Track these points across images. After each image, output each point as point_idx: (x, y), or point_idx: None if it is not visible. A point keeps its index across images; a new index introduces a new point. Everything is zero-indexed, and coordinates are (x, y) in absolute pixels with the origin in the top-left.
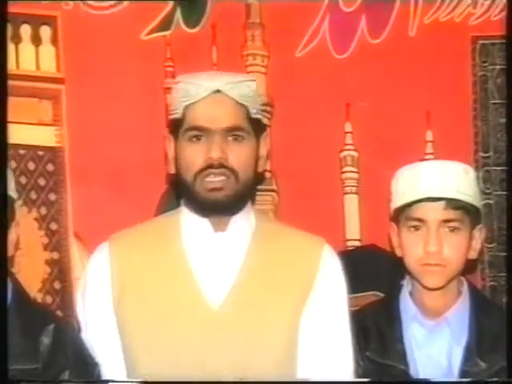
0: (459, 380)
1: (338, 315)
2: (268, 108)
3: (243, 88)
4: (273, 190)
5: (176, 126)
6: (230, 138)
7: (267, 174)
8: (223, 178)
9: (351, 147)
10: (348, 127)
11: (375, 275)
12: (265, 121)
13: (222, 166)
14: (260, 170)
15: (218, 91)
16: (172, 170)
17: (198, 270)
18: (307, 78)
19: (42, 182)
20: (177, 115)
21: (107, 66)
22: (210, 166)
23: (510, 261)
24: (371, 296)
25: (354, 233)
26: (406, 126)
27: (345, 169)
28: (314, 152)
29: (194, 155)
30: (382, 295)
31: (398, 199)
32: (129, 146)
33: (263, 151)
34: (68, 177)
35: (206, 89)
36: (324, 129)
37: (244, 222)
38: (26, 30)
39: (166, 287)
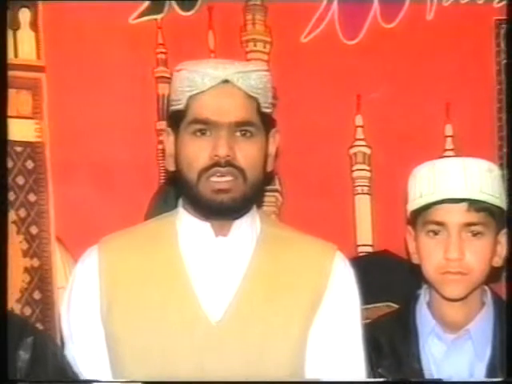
0: (459, 380)
1: (349, 329)
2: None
3: (254, 78)
4: (276, 190)
5: (177, 119)
6: (239, 134)
7: None
8: (230, 178)
9: (362, 143)
10: (359, 120)
11: (389, 284)
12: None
13: (229, 164)
14: (269, 169)
15: (227, 81)
16: (171, 167)
17: (196, 278)
18: (314, 67)
19: (20, 180)
20: (179, 106)
21: (92, 53)
22: (217, 164)
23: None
24: (384, 307)
25: (365, 237)
26: (423, 119)
27: (355, 167)
28: (322, 148)
29: (198, 151)
30: (397, 306)
31: (415, 200)
32: (117, 141)
33: (272, 149)
34: (49, 175)
35: (213, 78)
36: (332, 122)
37: (248, 226)
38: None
39: (160, 298)
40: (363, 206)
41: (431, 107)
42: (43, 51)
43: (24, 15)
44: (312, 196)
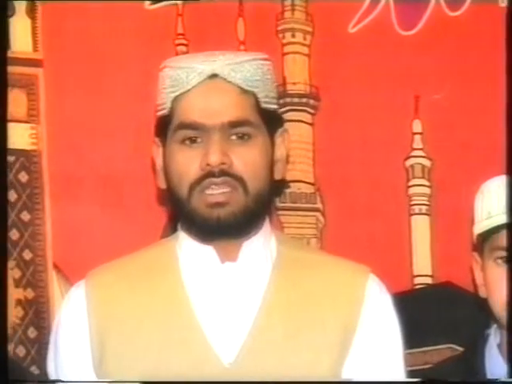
0: (459, 380)
1: (390, 372)
2: (311, 101)
3: (248, 69)
4: (317, 210)
5: (164, 126)
6: (234, 137)
7: (309, 189)
8: (227, 189)
9: (421, 153)
10: (417, 127)
11: (451, 323)
12: (278, 110)
13: (224, 173)
14: (277, 177)
15: (215, 75)
16: (162, 185)
17: (202, 313)
18: (363, 62)
19: (12, 196)
20: (163, 111)
21: (100, 45)
22: (210, 175)
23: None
24: (446, 350)
25: (423, 266)
26: (493, 126)
27: (412, 182)
28: (372, 159)
29: (188, 162)
30: (461, 349)
31: (483, 222)
32: (126, 150)
33: (281, 152)
34: (47, 190)
35: (199, 73)
36: (385, 129)
37: (261, 247)
38: None
39: (162, 339)
40: (421, 228)
41: (504, 113)
42: (41, 42)
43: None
44: (359, 217)
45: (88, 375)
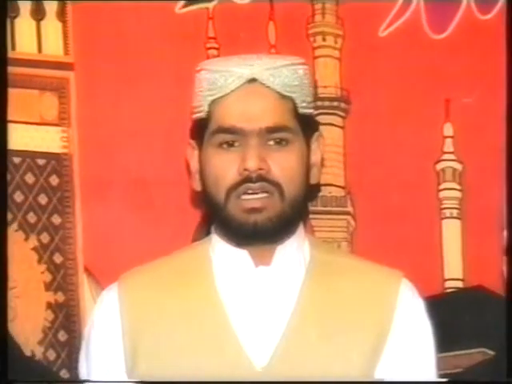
0: (459, 380)
1: (423, 372)
2: (342, 104)
3: (287, 74)
4: (347, 213)
5: (200, 129)
6: (272, 143)
7: (340, 192)
8: (264, 194)
9: (452, 157)
10: (448, 130)
11: (482, 326)
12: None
13: (262, 179)
14: (313, 181)
15: (254, 80)
16: (197, 187)
17: (235, 316)
18: (394, 65)
19: (43, 200)
20: (200, 114)
21: (130, 48)
22: (247, 180)
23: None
24: (477, 354)
25: (454, 270)
26: None
27: (443, 185)
28: (402, 163)
29: (226, 166)
30: (492, 353)
31: None
32: (158, 153)
33: (316, 157)
34: (77, 193)
35: (237, 77)
36: (416, 132)
37: (294, 252)
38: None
39: (194, 342)
40: (452, 232)
41: None
42: (72, 46)
43: (50, 4)
44: (390, 220)
45: (120, 377)
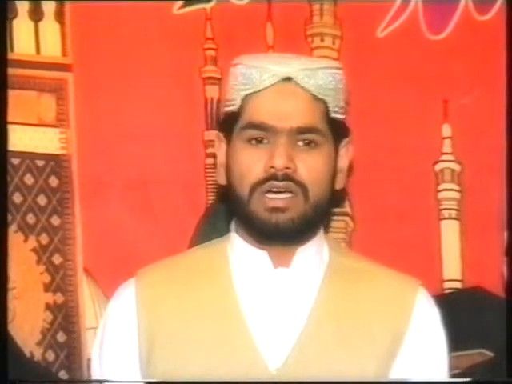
0: (459, 380)
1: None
2: None
3: (321, 77)
4: (346, 214)
5: (231, 122)
6: (301, 143)
7: None
8: (289, 194)
9: (450, 157)
10: (446, 131)
11: (481, 327)
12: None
13: (287, 178)
14: (338, 187)
15: (289, 79)
16: (222, 181)
17: (252, 317)
18: (392, 66)
19: (42, 201)
20: (232, 108)
21: (128, 50)
22: (272, 178)
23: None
24: (476, 355)
25: (453, 271)
26: None
27: (442, 186)
28: (401, 164)
29: (252, 162)
30: (492, 355)
31: None
32: (157, 154)
33: (343, 163)
34: (76, 194)
35: (272, 75)
36: (414, 133)
37: (314, 254)
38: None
39: (210, 341)
40: (450, 233)
41: None
42: (70, 47)
43: (48, 4)
44: (388, 221)
45: (133, 375)
